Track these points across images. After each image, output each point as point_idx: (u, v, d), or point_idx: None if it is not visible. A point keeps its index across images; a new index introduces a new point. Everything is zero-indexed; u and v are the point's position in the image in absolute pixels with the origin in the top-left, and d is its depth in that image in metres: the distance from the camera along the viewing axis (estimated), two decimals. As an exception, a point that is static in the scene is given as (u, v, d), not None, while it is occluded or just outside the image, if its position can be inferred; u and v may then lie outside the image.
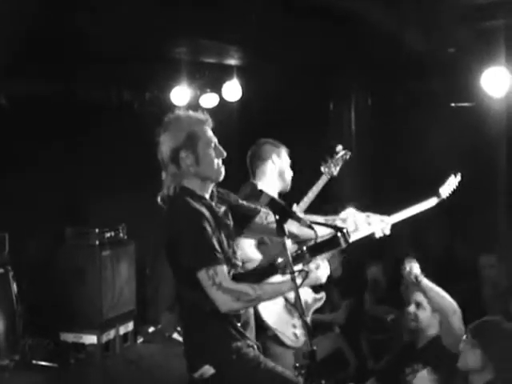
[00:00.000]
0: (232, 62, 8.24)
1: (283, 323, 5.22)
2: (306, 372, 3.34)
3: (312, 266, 4.03)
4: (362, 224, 4.41)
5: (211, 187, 4.01)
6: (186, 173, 3.90)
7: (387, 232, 4.52)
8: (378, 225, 4.47)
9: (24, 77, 7.21)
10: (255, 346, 3.99)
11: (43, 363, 7.67)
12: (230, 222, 4.05)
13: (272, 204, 3.59)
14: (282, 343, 5.19)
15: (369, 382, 5.84)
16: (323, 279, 4.31)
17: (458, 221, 8.27)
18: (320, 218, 4.41)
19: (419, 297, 5.34)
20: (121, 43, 6.84)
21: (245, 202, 4.18)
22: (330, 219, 4.40)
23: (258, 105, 8.62)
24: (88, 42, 6.64)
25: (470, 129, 8.08)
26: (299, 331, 5.27)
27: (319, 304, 5.62)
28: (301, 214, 4.34)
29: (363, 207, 5.59)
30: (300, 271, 3.62)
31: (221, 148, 3.98)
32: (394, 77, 8.07)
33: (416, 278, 5.19)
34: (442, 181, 4.94)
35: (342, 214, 4.46)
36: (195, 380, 3.88)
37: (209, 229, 3.75)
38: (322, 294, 5.62)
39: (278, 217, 3.52)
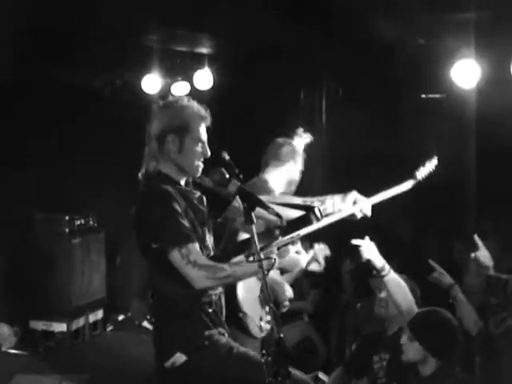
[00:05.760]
0: (204, 50, 8.23)
1: (253, 311, 5.24)
2: (273, 359, 3.34)
3: (291, 247, 4.02)
4: (340, 205, 4.43)
5: (186, 177, 4.04)
6: (166, 156, 3.93)
7: (368, 213, 4.54)
8: (357, 206, 4.49)
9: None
10: (226, 334, 4.02)
11: (12, 351, 7.65)
12: (205, 209, 4.08)
13: (240, 192, 3.60)
14: (245, 330, 5.20)
15: (336, 371, 5.87)
16: (303, 263, 4.27)
17: (428, 211, 8.32)
18: (298, 200, 4.45)
19: None
20: (92, 30, 6.81)
21: (218, 188, 4.18)
22: (308, 201, 4.43)
23: (229, 93, 8.61)
24: (60, 26, 6.61)
25: (441, 120, 8.13)
26: (264, 324, 5.29)
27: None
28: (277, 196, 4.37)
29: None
30: (267, 258, 3.63)
31: (207, 148, 4.00)
32: (365, 68, 8.10)
33: (378, 270, 4.99)
34: (418, 164, 4.99)
35: (321, 197, 4.49)
36: (165, 369, 3.89)
37: (179, 210, 3.77)
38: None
39: (246, 205, 3.54)
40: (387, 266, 4.89)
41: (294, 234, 4.01)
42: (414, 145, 8.06)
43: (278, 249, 4.03)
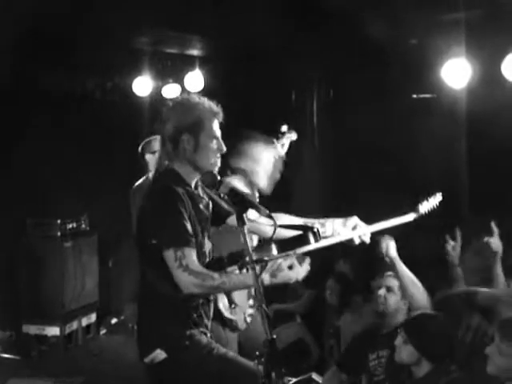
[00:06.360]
0: (194, 52, 8.24)
1: (241, 302, 5.25)
2: (266, 360, 3.34)
3: (284, 264, 3.99)
4: (340, 229, 4.43)
5: (198, 177, 4.01)
6: (181, 156, 3.90)
7: (367, 240, 4.52)
8: (357, 231, 4.48)
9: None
10: (208, 334, 4.01)
11: (5, 355, 7.63)
12: (210, 215, 4.08)
13: (232, 194, 3.60)
14: (229, 321, 5.19)
15: (330, 371, 5.87)
16: (297, 278, 4.20)
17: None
18: (299, 220, 4.45)
19: (390, 282, 5.37)
20: (83, 33, 6.80)
21: (224, 199, 4.17)
22: (309, 222, 4.42)
23: (220, 96, 8.60)
24: (50, 30, 6.60)
25: (432, 120, 8.14)
26: (247, 316, 5.29)
27: None
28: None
29: (325, 200, 5.66)
30: (259, 260, 3.62)
31: (222, 143, 3.98)
32: (356, 69, 8.11)
33: (391, 259, 5.14)
34: (422, 198, 4.98)
35: (322, 219, 4.49)
36: (148, 366, 3.90)
37: (184, 212, 3.76)
38: None
39: (237, 207, 3.53)
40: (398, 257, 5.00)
41: (290, 252, 4.00)
42: (406, 145, 8.10)
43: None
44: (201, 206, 3.98)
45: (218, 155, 3.96)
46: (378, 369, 5.28)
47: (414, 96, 8.78)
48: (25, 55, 7.19)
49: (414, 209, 4.83)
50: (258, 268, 3.56)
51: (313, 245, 4.09)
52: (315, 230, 4.00)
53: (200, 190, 4.06)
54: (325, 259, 8.07)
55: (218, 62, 8.53)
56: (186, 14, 6.46)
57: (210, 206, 4.11)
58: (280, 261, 3.83)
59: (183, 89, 8.62)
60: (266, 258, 3.66)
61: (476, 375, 4.40)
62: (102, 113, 8.54)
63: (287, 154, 6.12)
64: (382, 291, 5.43)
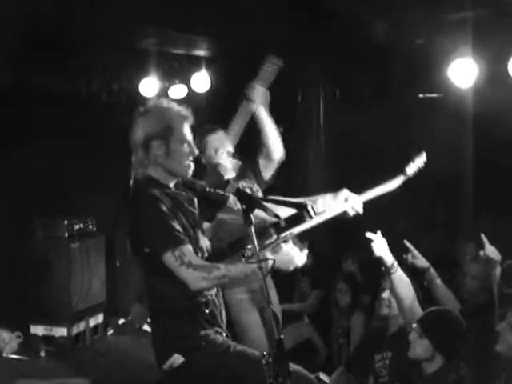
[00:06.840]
0: (201, 52, 8.24)
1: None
2: (273, 361, 3.34)
3: (285, 246, 3.97)
4: (332, 204, 4.43)
5: (176, 179, 4.02)
6: (153, 162, 3.91)
7: (360, 210, 4.53)
8: (349, 203, 4.49)
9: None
10: (224, 333, 4.01)
11: (13, 356, 7.64)
12: (196, 211, 4.07)
13: (238, 194, 3.60)
14: None
15: (338, 371, 5.87)
16: (297, 261, 4.15)
17: (425, 209, 8.34)
18: (289, 200, 4.44)
19: None
20: (89, 34, 6.81)
21: (212, 189, 4.19)
22: (299, 201, 4.42)
23: (226, 96, 8.61)
24: (56, 31, 6.61)
25: (438, 119, 8.14)
26: None
27: None
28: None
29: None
30: (266, 259, 3.62)
31: (194, 147, 3.98)
32: (363, 69, 8.11)
33: (387, 267, 5.03)
34: (407, 160, 5.00)
35: (312, 197, 4.49)
36: (167, 373, 3.90)
37: (166, 212, 3.76)
38: None
39: (244, 206, 3.53)
40: (396, 264, 4.90)
41: (287, 233, 4.00)
42: (412, 145, 8.09)
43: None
44: (184, 204, 3.98)
45: (191, 158, 3.96)
46: (383, 370, 5.29)
47: (421, 96, 8.78)
48: (27, 56, 7.20)
49: (402, 171, 4.86)
50: (264, 266, 3.57)
51: (309, 223, 4.08)
52: (309, 207, 3.98)
53: (181, 189, 4.06)
54: (332, 259, 8.10)
55: (225, 62, 8.53)
56: (192, 15, 6.47)
57: (195, 201, 4.10)
58: (278, 240, 3.85)
59: (190, 89, 8.64)
60: (271, 258, 3.64)
61: (484, 373, 4.41)
62: (108, 114, 8.55)
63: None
64: (385, 294, 5.42)
